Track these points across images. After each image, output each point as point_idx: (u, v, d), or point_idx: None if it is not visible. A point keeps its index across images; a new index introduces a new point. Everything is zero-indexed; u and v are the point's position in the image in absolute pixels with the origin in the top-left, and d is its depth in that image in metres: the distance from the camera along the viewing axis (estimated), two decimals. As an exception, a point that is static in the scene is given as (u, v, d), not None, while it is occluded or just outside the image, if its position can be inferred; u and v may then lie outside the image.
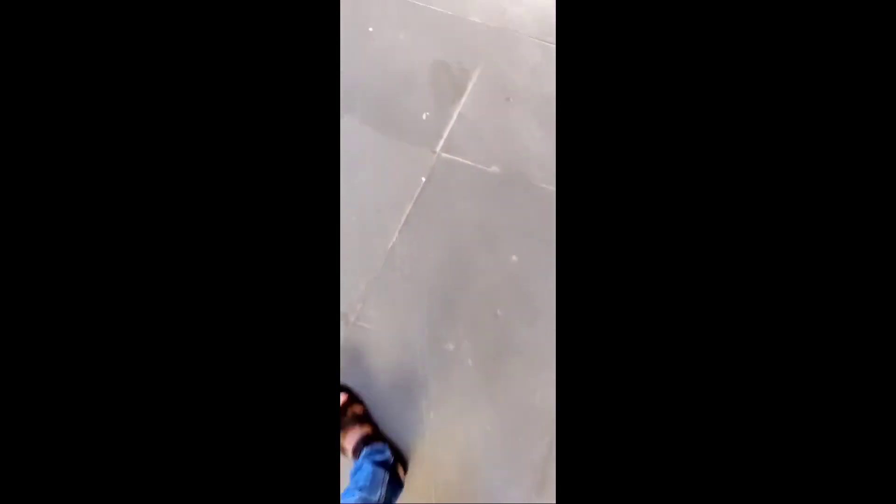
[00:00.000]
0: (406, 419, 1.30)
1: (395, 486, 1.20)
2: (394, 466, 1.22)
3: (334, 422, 0.80)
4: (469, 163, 1.56)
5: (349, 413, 1.28)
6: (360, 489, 1.11)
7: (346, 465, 1.24)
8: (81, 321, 0.46)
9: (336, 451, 0.77)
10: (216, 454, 0.47)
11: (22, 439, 0.45)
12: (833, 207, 0.45)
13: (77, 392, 0.45)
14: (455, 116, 1.64)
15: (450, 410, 1.29)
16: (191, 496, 0.46)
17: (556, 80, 0.59)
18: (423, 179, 1.54)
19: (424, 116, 1.64)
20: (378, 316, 1.37)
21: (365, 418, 1.30)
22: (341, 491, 1.14)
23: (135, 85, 0.47)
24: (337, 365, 0.94)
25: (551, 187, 1.50)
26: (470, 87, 1.70)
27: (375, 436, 1.27)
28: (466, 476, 1.27)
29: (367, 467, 1.17)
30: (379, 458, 1.21)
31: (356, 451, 1.23)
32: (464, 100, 1.67)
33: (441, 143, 1.60)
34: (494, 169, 1.55)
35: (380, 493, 1.14)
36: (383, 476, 1.17)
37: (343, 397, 1.31)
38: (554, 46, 1.72)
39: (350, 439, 1.25)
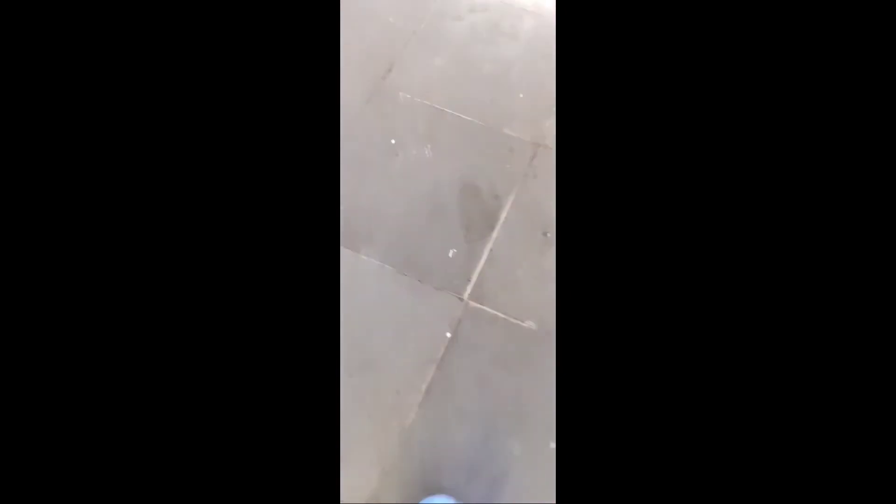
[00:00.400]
0: None
1: None
2: None
3: None
4: (501, 315, 1.37)
5: None
6: None
7: None
8: (69, 320, 0.46)
9: None
10: None
11: (21, 439, 0.45)
12: (834, 212, 0.45)
13: (73, 390, 0.45)
14: (485, 255, 1.45)
15: None
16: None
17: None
18: (449, 336, 1.35)
19: (451, 254, 1.46)
20: (392, 521, 1.18)
21: None
22: None
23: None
24: None
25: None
26: (503, 217, 1.51)
27: None
28: None
29: None
30: None
31: None
32: (495, 234, 1.48)
33: (469, 288, 1.41)
34: (530, 324, 1.35)
35: None
36: None
37: None
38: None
39: None
